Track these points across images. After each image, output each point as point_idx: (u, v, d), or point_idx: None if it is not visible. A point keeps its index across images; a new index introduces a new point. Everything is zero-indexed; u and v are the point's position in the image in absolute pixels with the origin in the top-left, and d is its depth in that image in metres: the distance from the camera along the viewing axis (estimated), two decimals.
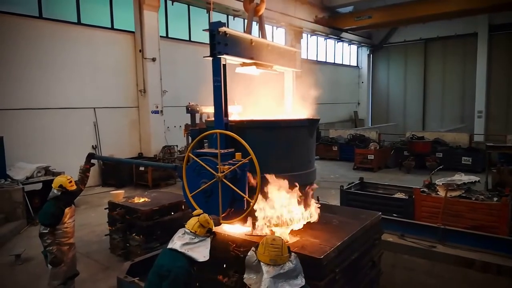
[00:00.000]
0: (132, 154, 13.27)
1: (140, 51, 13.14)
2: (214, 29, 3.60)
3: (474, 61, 22.99)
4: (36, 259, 6.06)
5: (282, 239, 2.74)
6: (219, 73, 3.68)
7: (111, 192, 7.14)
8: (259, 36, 4.51)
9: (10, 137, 9.83)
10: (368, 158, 14.34)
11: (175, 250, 2.90)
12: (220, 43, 3.62)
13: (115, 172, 11.92)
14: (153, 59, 13.19)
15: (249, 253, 2.77)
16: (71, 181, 4.52)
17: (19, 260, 6.23)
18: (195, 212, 3.13)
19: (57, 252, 4.30)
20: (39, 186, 9.05)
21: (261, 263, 2.60)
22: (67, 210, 4.50)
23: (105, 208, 6.54)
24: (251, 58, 4.07)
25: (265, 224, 3.53)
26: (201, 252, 2.91)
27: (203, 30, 4.02)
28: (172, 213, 6.25)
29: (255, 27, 4.49)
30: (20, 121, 10.36)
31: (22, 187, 8.40)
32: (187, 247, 2.89)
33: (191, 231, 2.97)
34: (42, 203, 6.94)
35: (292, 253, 2.71)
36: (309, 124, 4.09)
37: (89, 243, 6.94)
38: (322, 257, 3.18)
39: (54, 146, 11.04)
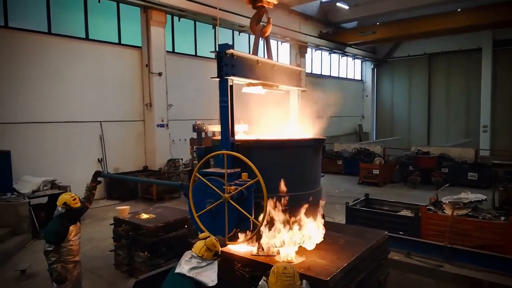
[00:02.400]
0: (137, 167, 13.33)
1: (146, 65, 13.30)
2: (221, 51, 3.66)
3: (479, 75, 23.00)
4: (42, 275, 6.04)
5: (293, 267, 2.72)
6: (226, 94, 3.73)
7: (116, 207, 7.13)
8: (265, 56, 4.58)
9: (16, 150, 9.92)
10: (373, 172, 14.28)
11: (183, 275, 2.89)
12: (227, 64, 3.68)
13: (120, 185, 11.95)
14: (160, 74, 13.34)
15: (260, 283, 2.75)
16: (75, 199, 4.52)
17: (24, 275, 6.22)
18: (201, 235, 3.12)
19: (62, 270, 4.28)
20: (45, 199, 9.04)
21: None
22: (72, 227, 4.50)
23: (111, 224, 6.54)
24: (258, 79, 4.13)
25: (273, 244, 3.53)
26: (209, 277, 2.89)
27: (210, 51, 4.08)
28: (178, 230, 6.24)
29: (261, 45, 4.56)
30: (27, 134, 10.46)
31: (28, 201, 8.42)
32: (195, 272, 2.88)
33: (198, 255, 2.95)
34: (48, 217, 6.98)
35: (304, 280, 2.70)
36: (315, 144, 4.12)
37: (94, 258, 6.92)
38: (328, 279, 3.17)
39: (60, 159, 11.12)
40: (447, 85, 25.52)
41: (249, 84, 4.27)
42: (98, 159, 12.26)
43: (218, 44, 3.71)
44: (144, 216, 6.46)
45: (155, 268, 5.09)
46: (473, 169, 13.42)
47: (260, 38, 4.57)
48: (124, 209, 6.67)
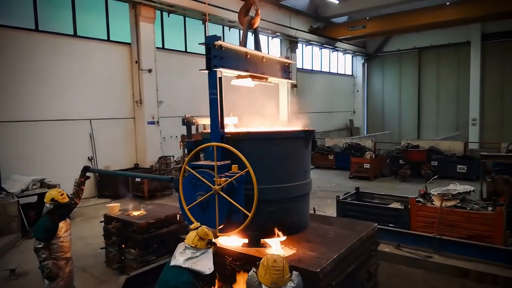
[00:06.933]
0: (128, 165, 13.24)
1: (136, 62, 13.19)
2: (210, 42, 3.64)
3: (468, 69, 23.23)
4: (32, 274, 6.00)
5: (283, 260, 2.72)
6: (215, 86, 3.71)
7: (107, 205, 7.09)
8: (254, 48, 4.56)
9: (5, 149, 9.82)
10: (364, 167, 14.38)
11: (179, 267, 2.88)
12: (216, 56, 3.66)
13: (111, 183, 11.85)
14: (149, 70, 13.25)
15: (249, 274, 2.76)
16: (62, 194, 4.48)
17: (14, 274, 6.15)
18: (192, 226, 3.12)
19: (53, 267, 4.25)
20: (34, 199, 8.96)
21: (262, 285, 2.60)
22: (61, 224, 4.46)
23: (101, 221, 6.50)
24: (247, 71, 4.11)
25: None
26: (205, 265, 2.89)
27: (199, 43, 4.05)
28: (169, 226, 6.21)
29: (250, 38, 4.54)
30: (15, 133, 10.32)
31: (17, 200, 8.33)
32: (191, 262, 2.87)
33: (191, 246, 2.95)
34: (37, 216, 6.90)
35: (294, 272, 2.71)
36: (305, 136, 4.12)
37: (85, 256, 6.87)
38: (318, 270, 3.18)
39: (50, 158, 11.00)
40: (437, 79, 25.73)
41: (238, 76, 4.26)
42: (89, 157, 12.15)
43: (207, 36, 3.68)
44: (135, 213, 6.43)
45: (147, 265, 5.07)
46: (462, 161, 13.59)
47: (251, 33, 4.56)
48: (115, 206, 6.63)
